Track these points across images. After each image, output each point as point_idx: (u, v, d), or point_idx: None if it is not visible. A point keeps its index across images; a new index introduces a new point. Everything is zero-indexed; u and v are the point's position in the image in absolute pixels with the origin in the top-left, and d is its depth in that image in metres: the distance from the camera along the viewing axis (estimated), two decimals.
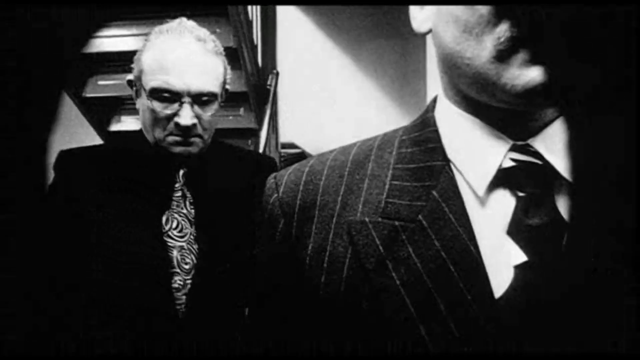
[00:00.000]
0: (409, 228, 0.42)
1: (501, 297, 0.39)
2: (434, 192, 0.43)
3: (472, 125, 0.45)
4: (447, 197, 0.43)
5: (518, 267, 0.39)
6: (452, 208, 0.42)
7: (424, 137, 0.47)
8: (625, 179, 0.24)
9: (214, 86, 0.97)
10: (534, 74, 0.37)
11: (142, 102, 0.98)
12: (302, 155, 4.71)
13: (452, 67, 0.43)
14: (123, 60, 3.04)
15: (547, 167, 0.41)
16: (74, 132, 3.84)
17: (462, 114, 0.46)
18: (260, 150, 2.86)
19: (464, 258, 0.40)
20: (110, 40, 2.83)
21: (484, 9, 0.37)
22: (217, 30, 2.75)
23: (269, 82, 3.37)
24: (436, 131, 0.47)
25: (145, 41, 1.06)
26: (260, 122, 3.10)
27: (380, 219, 0.43)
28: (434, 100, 0.51)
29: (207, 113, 0.97)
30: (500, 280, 0.39)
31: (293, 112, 4.61)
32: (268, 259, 0.49)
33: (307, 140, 4.86)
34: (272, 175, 0.52)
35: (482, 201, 0.43)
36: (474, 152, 0.44)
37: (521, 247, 0.39)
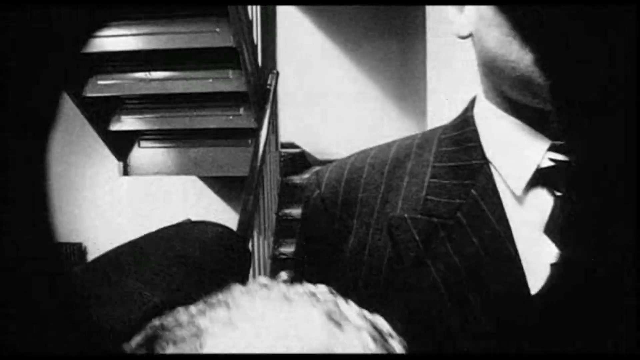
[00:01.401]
0: (448, 225, 0.43)
1: (537, 295, 0.39)
2: (473, 191, 0.44)
3: (512, 126, 0.45)
4: (485, 195, 0.44)
5: (554, 265, 0.39)
6: (490, 206, 0.43)
7: (463, 137, 0.49)
8: (626, 179, 0.24)
9: None
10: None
11: None
12: (302, 155, 4.71)
13: (495, 69, 0.44)
14: (123, 60, 3.05)
15: None
16: (74, 132, 3.84)
17: (503, 114, 0.46)
18: (260, 150, 2.86)
19: (501, 256, 0.41)
20: (110, 40, 2.83)
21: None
22: (217, 30, 2.75)
23: (269, 82, 3.37)
24: (475, 130, 0.48)
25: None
26: (260, 122, 3.10)
27: (419, 216, 0.44)
28: (473, 101, 0.52)
29: None
30: (537, 278, 0.39)
31: (293, 112, 4.61)
32: (310, 255, 0.51)
33: (307, 140, 4.86)
34: (314, 172, 0.53)
35: (520, 200, 0.43)
36: (513, 152, 0.44)
37: (558, 245, 0.40)
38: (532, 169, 0.43)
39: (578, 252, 0.40)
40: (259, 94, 3.17)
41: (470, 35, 0.47)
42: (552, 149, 0.43)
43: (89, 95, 3.10)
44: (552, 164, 0.43)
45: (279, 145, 3.73)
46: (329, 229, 0.49)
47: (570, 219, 0.36)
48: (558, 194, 0.42)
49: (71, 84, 2.97)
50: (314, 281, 0.48)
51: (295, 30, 4.81)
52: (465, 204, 0.44)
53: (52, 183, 0.23)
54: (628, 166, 0.24)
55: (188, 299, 0.35)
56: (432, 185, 0.46)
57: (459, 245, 0.42)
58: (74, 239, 4.67)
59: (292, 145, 4.63)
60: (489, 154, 0.46)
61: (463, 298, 0.41)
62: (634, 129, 0.24)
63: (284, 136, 4.18)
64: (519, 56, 0.40)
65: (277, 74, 3.53)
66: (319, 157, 4.89)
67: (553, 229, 0.41)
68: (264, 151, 2.89)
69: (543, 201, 0.43)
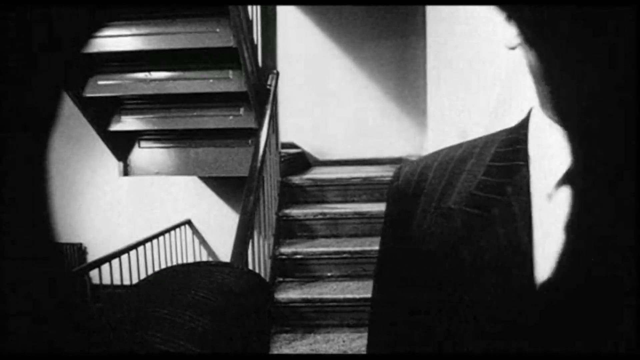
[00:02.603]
0: (484, 217, 0.50)
1: (541, 288, 0.43)
2: (508, 188, 0.50)
3: (550, 130, 0.49)
4: (517, 192, 0.49)
5: (560, 262, 0.43)
6: (519, 203, 0.49)
7: (517, 139, 0.53)
8: (624, 178, 0.24)
9: None
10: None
11: None
12: (302, 155, 4.71)
13: (542, 78, 0.46)
14: (123, 60, 3.05)
15: None
16: (74, 132, 3.84)
17: (546, 119, 0.50)
18: (260, 151, 2.86)
19: (518, 249, 0.46)
20: (110, 40, 2.83)
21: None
22: (217, 30, 2.75)
23: (269, 82, 3.37)
24: (527, 133, 0.52)
25: None
26: (260, 122, 3.10)
27: (464, 208, 0.51)
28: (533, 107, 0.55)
29: None
30: (547, 274, 0.44)
31: (293, 112, 4.61)
32: (388, 234, 0.61)
33: (307, 140, 4.86)
34: (399, 165, 0.63)
35: (551, 198, 0.47)
36: (548, 154, 0.49)
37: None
38: (561, 170, 0.46)
39: (579, 251, 0.40)
40: (259, 94, 3.17)
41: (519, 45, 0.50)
42: None
43: (89, 95, 3.10)
44: None
45: (279, 145, 3.73)
46: (401, 212, 0.58)
47: (572, 217, 0.36)
48: None
49: (71, 84, 2.97)
50: (391, 255, 0.60)
51: (295, 30, 4.81)
52: (501, 200, 0.50)
53: (52, 183, 0.23)
54: (628, 166, 0.24)
55: (230, 328, 0.37)
56: (481, 182, 0.52)
57: (489, 235, 0.48)
58: (74, 239, 4.67)
59: (292, 145, 4.63)
60: (532, 155, 0.51)
61: (479, 283, 0.47)
62: (634, 129, 0.24)
63: (284, 136, 4.18)
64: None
65: (277, 74, 3.53)
66: (319, 157, 4.89)
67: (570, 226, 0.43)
68: (264, 151, 2.89)
69: (569, 199, 0.45)
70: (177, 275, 0.42)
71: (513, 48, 0.50)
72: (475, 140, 0.60)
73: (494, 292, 0.46)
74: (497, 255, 0.47)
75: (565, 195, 0.46)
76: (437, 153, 0.61)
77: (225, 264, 0.45)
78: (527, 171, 0.50)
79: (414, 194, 0.58)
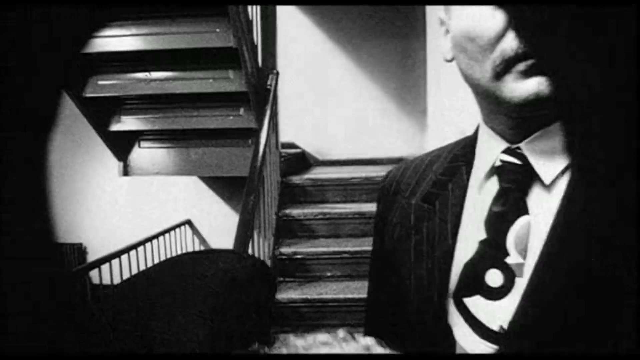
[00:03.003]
0: (429, 209, 0.59)
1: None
2: (450, 184, 0.59)
3: (484, 132, 0.57)
4: (455, 187, 0.58)
5: (481, 242, 0.52)
6: (455, 196, 0.58)
7: (468, 142, 0.61)
8: (624, 177, 0.25)
9: None
10: (527, 86, 0.46)
11: None
12: (302, 155, 4.72)
13: (470, 87, 0.54)
14: (123, 60, 3.05)
15: (527, 167, 0.51)
16: (74, 132, 3.84)
17: (482, 124, 0.58)
18: (260, 150, 2.86)
19: (444, 233, 0.56)
20: (110, 40, 2.83)
21: (482, 41, 0.47)
22: (218, 30, 2.75)
23: (269, 82, 3.37)
24: (475, 138, 0.60)
25: None
26: (260, 122, 3.10)
27: (420, 202, 0.61)
28: None
29: None
30: (468, 252, 0.53)
31: (293, 112, 4.61)
32: (375, 229, 0.70)
33: (307, 140, 4.86)
34: (391, 168, 0.72)
35: (480, 190, 0.56)
36: (482, 154, 0.57)
37: (484, 227, 0.52)
38: (488, 166, 0.55)
39: (579, 251, 0.40)
40: (259, 94, 3.17)
41: (453, 59, 0.56)
42: (504, 151, 0.53)
43: (89, 95, 3.10)
44: (500, 164, 0.53)
45: (279, 145, 3.73)
46: (384, 207, 0.68)
47: (572, 218, 0.36)
48: (505, 186, 0.53)
49: (71, 84, 2.97)
50: (377, 247, 0.69)
51: (295, 30, 4.81)
52: (442, 194, 0.59)
53: (52, 183, 0.23)
54: (628, 166, 0.24)
55: (231, 327, 0.38)
56: (436, 180, 0.61)
57: (430, 223, 0.58)
58: (74, 239, 4.67)
59: (292, 145, 4.63)
60: (476, 156, 0.59)
61: (420, 261, 0.58)
62: (634, 129, 0.24)
63: (284, 136, 4.18)
64: (480, 75, 0.49)
65: (277, 74, 3.53)
66: (319, 157, 4.89)
67: (487, 214, 0.53)
68: (264, 151, 2.89)
69: (494, 191, 0.54)
70: (186, 262, 0.42)
71: (449, 61, 0.57)
72: (447, 145, 0.68)
73: (427, 271, 0.56)
74: (432, 239, 0.57)
75: (491, 187, 0.54)
76: (419, 156, 0.70)
77: (230, 251, 0.46)
78: (467, 170, 0.59)
79: (394, 192, 0.67)
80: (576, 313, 0.33)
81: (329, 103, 4.88)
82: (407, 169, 0.68)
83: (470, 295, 0.52)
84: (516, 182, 0.52)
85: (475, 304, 0.51)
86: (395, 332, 0.58)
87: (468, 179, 0.58)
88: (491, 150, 0.55)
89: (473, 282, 0.51)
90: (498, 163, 0.53)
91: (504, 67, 0.46)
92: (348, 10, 4.80)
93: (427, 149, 4.45)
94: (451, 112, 3.33)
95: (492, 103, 0.52)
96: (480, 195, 0.55)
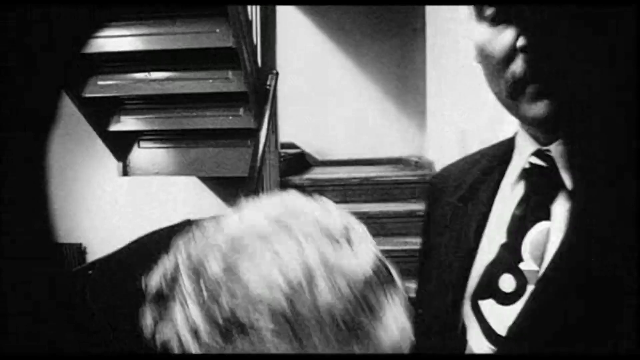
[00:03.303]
0: (463, 209, 0.61)
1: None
2: (483, 185, 0.60)
3: (520, 133, 0.57)
4: (486, 188, 0.59)
5: (501, 246, 0.52)
6: (484, 196, 0.58)
7: (506, 142, 0.62)
8: (624, 177, 0.25)
9: None
10: (538, 109, 0.47)
11: None
12: (302, 156, 4.71)
13: (494, 94, 0.55)
14: (123, 61, 3.05)
15: (554, 171, 0.51)
16: (74, 132, 3.84)
17: (519, 125, 0.58)
18: (260, 151, 2.86)
19: (468, 233, 0.57)
20: (110, 40, 2.83)
21: (494, 60, 0.48)
22: (217, 30, 2.75)
23: (268, 82, 3.36)
24: (513, 139, 0.60)
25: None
26: (260, 122, 3.09)
27: (455, 202, 0.63)
28: None
29: None
30: (492, 247, 0.53)
31: (293, 112, 4.61)
32: (422, 228, 0.71)
33: (307, 140, 4.86)
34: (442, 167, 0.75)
35: (512, 191, 0.55)
36: (516, 155, 0.57)
37: (506, 230, 0.53)
38: (519, 169, 0.54)
39: (579, 250, 0.40)
40: (259, 94, 3.17)
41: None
42: (534, 153, 0.53)
43: (89, 95, 3.10)
44: (529, 166, 0.53)
45: (279, 145, 3.72)
46: (430, 206, 0.69)
47: (573, 217, 0.36)
48: (529, 189, 0.53)
49: (71, 84, 2.97)
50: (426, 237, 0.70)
51: (295, 30, 4.81)
52: (475, 194, 0.60)
53: (52, 183, 0.23)
54: (628, 166, 0.24)
55: None
56: (472, 180, 0.63)
57: (459, 224, 0.59)
58: (74, 239, 4.67)
59: (292, 145, 4.62)
60: (513, 157, 0.58)
61: (446, 263, 0.59)
62: (634, 129, 0.24)
63: (284, 136, 4.17)
64: (499, 89, 0.51)
65: (277, 74, 3.53)
66: (319, 157, 4.89)
67: (512, 216, 0.53)
68: (264, 151, 2.89)
69: (522, 193, 0.54)
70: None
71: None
72: (488, 147, 0.69)
73: (449, 270, 0.58)
74: (458, 238, 0.58)
75: (521, 188, 0.54)
76: (468, 155, 0.72)
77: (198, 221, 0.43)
78: (500, 171, 0.59)
79: (439, 190, 0.69)
80: (576, 323, 0.33)
81: (329, 103, 4.88)
82: (454, 168, 0.69)
83: (485, 298, 0.51)
84: (540, 186, 0.51)
85: (488, 307, 0.51)
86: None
87: (500, 180, 0.58)
88: (524, 151, 0.55)
89: (489, 286, 0.51)
90: (527, 165, 0.53)
91: (517, 88, 0.48)
92: (348, 10, 4.80)
93: (427, 149, 4.43)
94: (451, 112, 3.33)
95: (513, 115, 0.53)
96: (510, 197, 0.55)
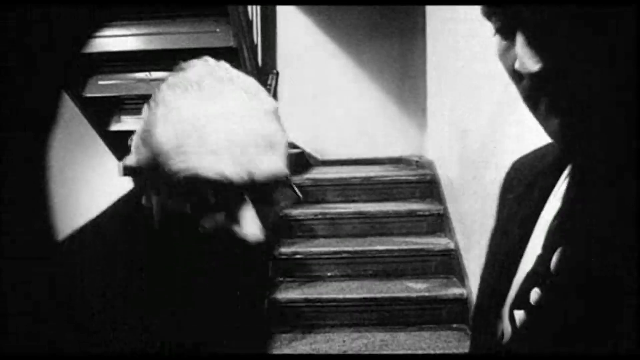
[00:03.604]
0: (516, 212, 0.60)
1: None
2: (535, 188, 0.59)
3: None
4: (537, 192, 0.58)
5: (538, 257, 0.51)
6: (532, 201, 0.58)
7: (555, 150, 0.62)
8: (624, 177, 0.24)
9: None
10: (554, 125, 0.45)
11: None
12: (302, 156, 4.71)
13: None
14: (123, 60, 3.05)
15: None
16: (74, 132, 3.84)
17: None
18: None
19: (514, 239, 0.57)
20: (110, 40, 2.83)
21: (508, 71, 0.47)
22: (218, 30, 2.75)
23: (269, 82, 3.37)
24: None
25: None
26: None
27: (512, 202, 0.63)
28: None
29: None
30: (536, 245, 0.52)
31: (293, 112, 4.61)
32: (500, 205, 0.72)
33: (307, 140, 4.86)
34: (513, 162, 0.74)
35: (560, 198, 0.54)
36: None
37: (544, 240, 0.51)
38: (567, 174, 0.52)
39: (579, 250, 0.40)
40: None
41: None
42: None
43: (89, 95, 3.10)
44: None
45: None
46: (498, 205, 0.69)
47: (573, 217, 0.36)
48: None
49: (71, 84, 2.97)
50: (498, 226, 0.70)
51: (295, 30, 4.81)
52: (527, 197, 0.59)
53: (52, 183, 0.23)
54: (628, 166, 0.24)
55: None
56: (529, 182, 0.62)
57: (511, 226, 0.59)
58: None
59: (292, 145, 4.62)
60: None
61: (493, 267, 0.60)
62: (634, 129, 0.24)
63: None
64: (521, 96, 0.48)
65: (277, 74, 3.53)
66: (319, 157, 4.89)
67: (554, 222, 0.52)
68: None
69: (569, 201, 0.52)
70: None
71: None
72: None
73: (495, 275, 0.58)
74: (506, 243, 0.58)
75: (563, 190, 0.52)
76: (536, 149, 0.70)
77: None
78: (555, 175, 0.56)
79: (511, 184, 0.69)
80: (577, 323, 0.33)
81: (329, 103, 4.88)
82: (524, 162, 0.69)
83: (520, 308, 0.50)
84: None
85: (520, 318, 0.49)
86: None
87: (554, 183, 0.55)
88: None
89: (523, 297, 0.49)
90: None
91: (532, 99, 0.45)
92: (348, 10, 4.80)
93: (427, 149, 4.42)
94: (451, 112, 3.33)
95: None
96: (556, 205, 0.52)
